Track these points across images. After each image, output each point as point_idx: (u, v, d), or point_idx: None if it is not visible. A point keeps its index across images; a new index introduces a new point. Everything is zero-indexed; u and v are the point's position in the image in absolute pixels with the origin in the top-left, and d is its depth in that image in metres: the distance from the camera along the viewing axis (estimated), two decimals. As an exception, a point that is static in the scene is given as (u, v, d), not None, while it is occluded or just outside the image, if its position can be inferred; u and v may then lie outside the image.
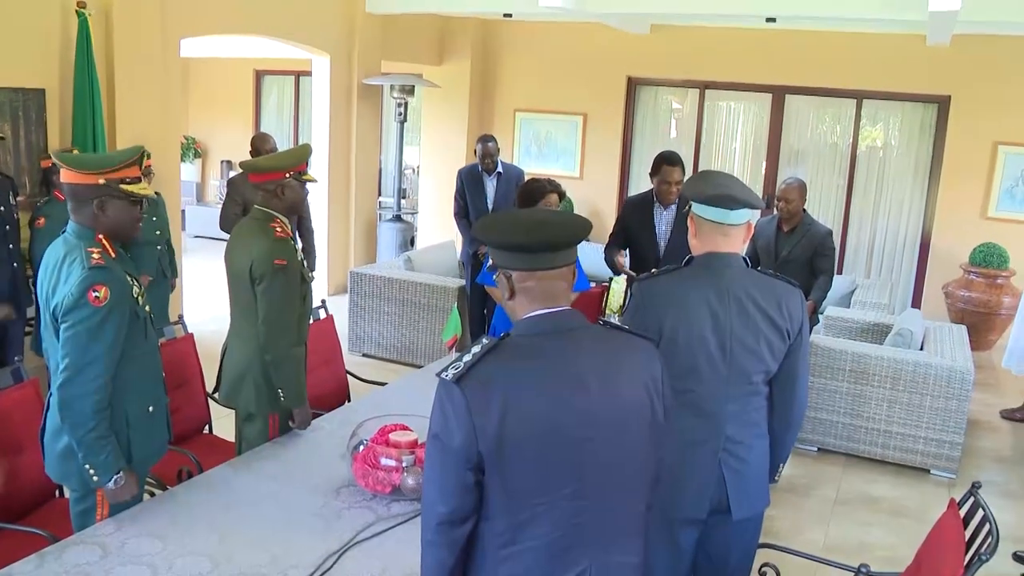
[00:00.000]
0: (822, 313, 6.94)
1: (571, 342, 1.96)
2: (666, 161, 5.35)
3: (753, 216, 2.77)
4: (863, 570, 2.27)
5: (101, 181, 2.81)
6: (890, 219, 9.54)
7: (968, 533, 2.74)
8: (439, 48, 10.53)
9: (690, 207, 2.80)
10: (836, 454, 5.77)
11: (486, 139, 7.07)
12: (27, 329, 5.53)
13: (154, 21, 6.48)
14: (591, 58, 10.15)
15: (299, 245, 3.80)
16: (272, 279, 3.45)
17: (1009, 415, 6.70)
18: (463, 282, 7.23)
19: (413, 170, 12.18)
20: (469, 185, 7.09)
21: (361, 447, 3.17)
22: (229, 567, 2.58)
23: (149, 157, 5.68)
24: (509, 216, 2.16)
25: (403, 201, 10.22)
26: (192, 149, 12.94)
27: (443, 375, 1.88)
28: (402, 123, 9.55)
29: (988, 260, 8.43)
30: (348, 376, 4.78)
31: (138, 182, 2.91)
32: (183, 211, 10.03)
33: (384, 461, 3.05)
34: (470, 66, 10.53)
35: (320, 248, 9.14)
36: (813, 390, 5.75)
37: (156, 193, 5.98)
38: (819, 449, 5.79)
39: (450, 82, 10.43)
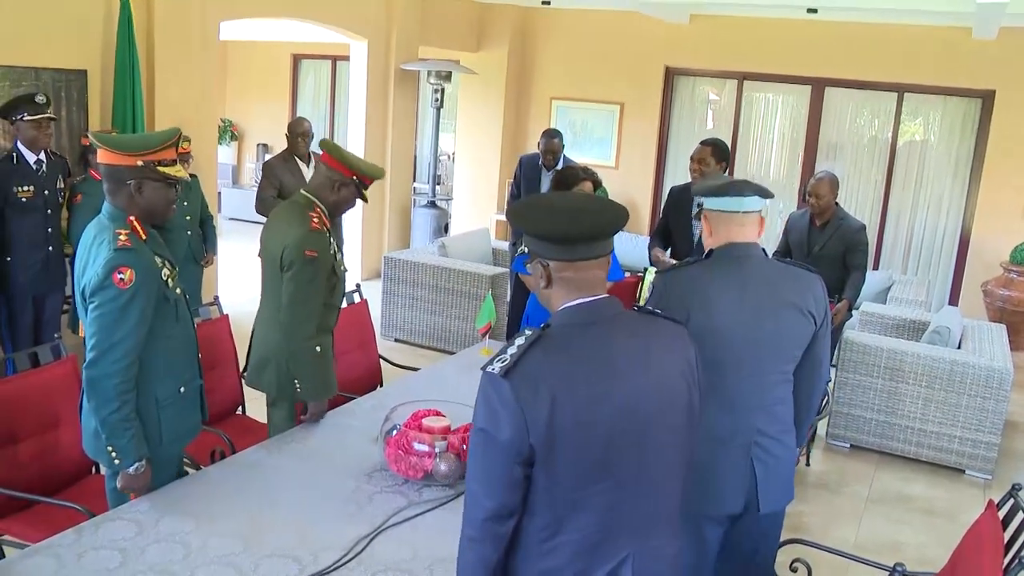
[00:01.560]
0: (857, 309, 6.87)
1: (611, 330, 1.95)
2: (701, 142, 5.40)
3: (764, 206, 2.75)
4: (899, 570, 2.23)
5: (139, 163, 2.83)
6: (929, 215, 9.41)
7: (1007, 536, 2.70)
8: (477, 35, 10.52)
9: (701, 207, 2.78)
10: (869, 451, 5.72)
11: (551, 134, 6.83)
12: (65, 308, 5.60)
13: (194, 4, 6.52)
14: (629, 47, 10.09)
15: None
16: (300, 269, 3.43)
17: None
18: (497, 269, 7.22)
19: (449, 156, 12.19)
20: (526, 174, 6.91)
21: (394, 432, 3.18)
22: (260, 548, 2.60)
23: (189, 142, 5.79)
24: (545, 202, 2.08)
25: (438, 187, 10.23)
26: (229, 132, 13.03)
27: (490, 369, 1.85)
28: (438, 109, 9.55)
29: (1029, 259, 8.29)
30: (381, 361, 4.80)
31: (174, 164, 2.92)
32: (219, 193, 10.12)
33: (417, 446, 3.06)
34: (507, 53, 10.50)
35: (354, 233, 9.19)
36: (847, 386, 5.70)
37: (192, 175, 6.03)
38: (852, 446, 5.74)
39: (487, 69, 10.42)
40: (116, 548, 2.53)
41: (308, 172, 6.29)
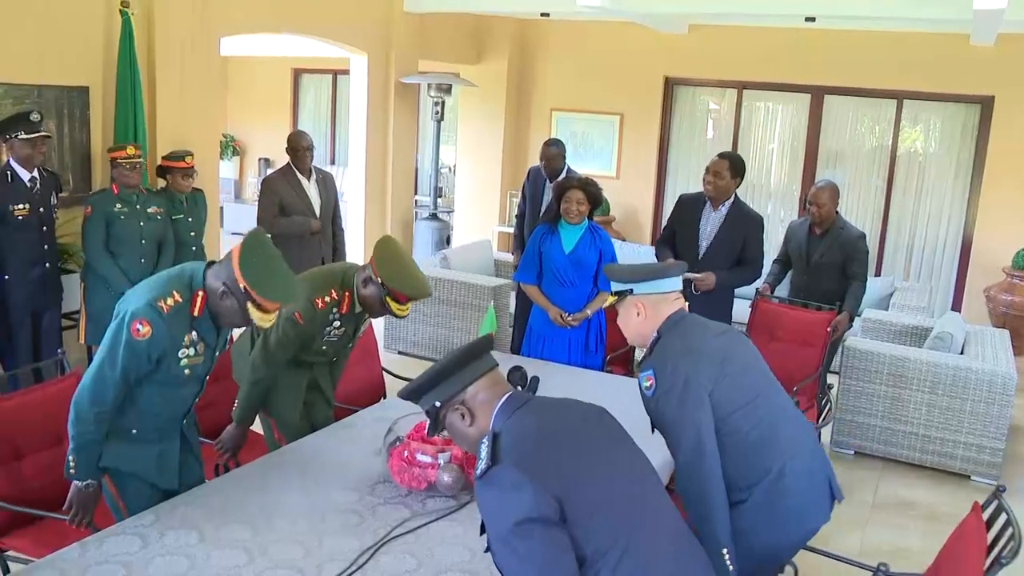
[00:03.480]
0: (859, 316, 6.87)
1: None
2: (718, 154, 5.44)
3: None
4: (882, 570, 2.28)
5: (242, 287, 2.78)
6: (930, 221, 9.41)
7: (991, 537, 2.72)
8: (476, 47, 10.55)
9: (621, 294, 2.85)
10: (873, 458, 5.71)
11: (548, 143, 6.77)
12: (64, 324, 5.62)
13: (194, 20, 6.55)
14: (628, 58, 10.11)
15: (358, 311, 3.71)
16: (282, 324, 3.47)
17: None
18: (499, 280, 7.23)
19: (450, 169, 12.22)
20: (531, 186, 6.88)
21: (397, 443, 3.18)
22: (264, 560, 2.60)
23: (192, 157, 5.82)
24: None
25: (439, 200, 10.25)
26: (230, 147, 13.07)
27: (480, 472, 2.01)
28: (439, 122, 9.57)
29: (1032, 263, 8.28)
30: (384, 374, 4.80)
31: (264, 313, 2.84)
32: (220, 208, 10.14)
33: (420, 457, 3.07)
34: (507, 65, 10.53)
35: (357, 245, 9.20)
36: (850, 392, 5.70)
37: (197, 190, 6.06)
38: (856, 452, 5.73)
39: (487, 81, 10.45)
40: (120, 563, 2.54)
41: (309, 187, 6.28)
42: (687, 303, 2.94)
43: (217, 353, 3.09)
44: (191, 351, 2.92)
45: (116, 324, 2.82)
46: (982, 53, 8.48)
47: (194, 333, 2.90)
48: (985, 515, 2.77)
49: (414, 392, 2.25)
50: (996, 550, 2.65)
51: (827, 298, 5.61)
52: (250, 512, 2.89)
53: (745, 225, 5.35)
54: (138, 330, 2.76)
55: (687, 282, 4.96)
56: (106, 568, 2.51)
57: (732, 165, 5.29)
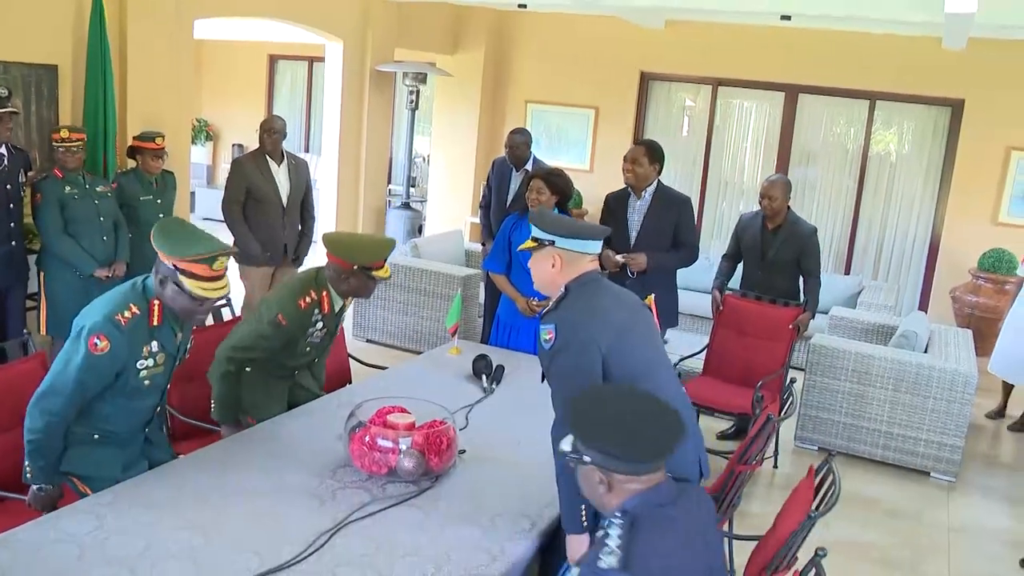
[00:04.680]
0: (826, 313, 6.94)
1: (683, 511, 2.14)
2: (635, 141, 5.41)
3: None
4: (820, 554, 2.39)
5: (170, 264, 2.84)
6: (900, 221, 9.50)
7: (820, 495, 3.00)
8: (453, 37, 10.52)
9: (542, 242, 2.85)
10: (837, 454, 5.75)
11: (514, 132, 6.76)
12: (29, 304, 5.56)
13: (169, 1, 6.48)
14: (605, 52, 10.13)
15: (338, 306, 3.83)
16: (264, 323, 3.59)
17: (993, 416, 6.82)
18: (469, 270, 7.22)
19: (424, 159, 12.19)
20: (496, 176, 6.83)
21: (359, 428, 3.18)
22: (222, 541, 2.59)
23: (163, 138, 5.76)
24: (621, 429, 2.15)
25: (412, 189, 10.23)
26: (204, 132, 12.97)
27: (603, 566, 1.95)
28: (413, 111, 9.54)
29: (997, 266, 8.38)
30: (350, 360, 4.79)
31: (203, 280, 2.85)
32: (192, 193, 10.07)
33: (381, 442, 3.06)
34: (483, 56, 10.51)
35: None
36: (815, 388, 5.75)
37: (168, 172, 6.01)
38: (819, 448, 5.78)
39: (463, 71, 10.43)
40: (75, 542, 2.52)
41: (279, 172, 6.22)
42: (624, 286, 3.01)
43: (177, 361, 3.15)
44: (150, 361, 2.98)
45: (74, 338, 2.85)
46: (953, 57, 8.57)
47: (154, 343, 2.97)
48: (819, 477, 3.08)
49: (584, 433, 2.13)
50: (817, 503, 2.93)
51: (782, 293, 5.67)
52: (209, 493, 2.88)
53: (673, 208, 5.28)
54: (96, 345, 2.80)
55: (623, 265, 5.10)
56: (61, 547, 2.48)
57: (649, 151, 5.25)
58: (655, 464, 2.10)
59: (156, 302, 2.93)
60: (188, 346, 3.24)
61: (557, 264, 2.81)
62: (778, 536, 2.87)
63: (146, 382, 3.00)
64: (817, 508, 2.86)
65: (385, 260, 3.64)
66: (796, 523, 2.74)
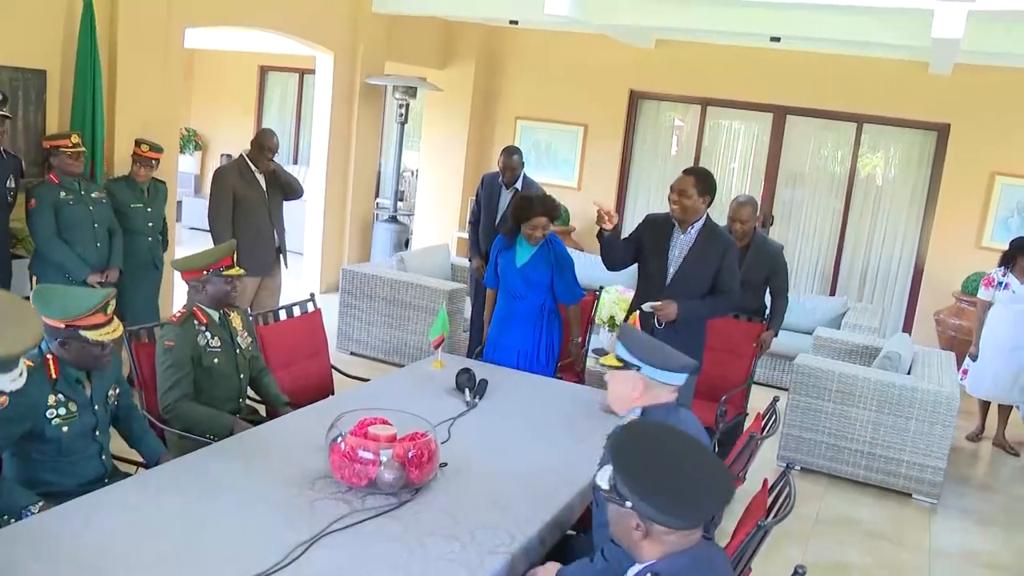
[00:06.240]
0: (811, 333, 6.95)
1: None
2: (684, 170, 4.79)
3: None
4: (799, 571, 2.38)
5: (62, 326, 2.97)
6: (885, 244, 9.56)
7: (776, 506, 3.03)
8: (443, 52, 10.55)
9: (627, 363, 2.84)
10: (819, 474, 5.76)
11: (510, 151, 6.62)
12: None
13: (159, 8, 6.47)
14: (595, 70, 10.18)
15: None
16: (160, 353, 3.75)
17: (973, 438, 6.84)
18: (455, 284, 7.20)
19: (412, 173, 12.19)
20: (486, 192, 6.76)
21: (339, 439, 3.15)
22: (200, 548, 2.56)
23: (149, 147, 5.74)
24: (667, 472, 2.05)
25: (400, 203, 10.22)
26: (193, 141, 12.94)
27: None
28: (403, 125, 9.55)
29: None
30: (333, 371, 4.77)
31: (103, 327, 3.01)
32: (179, 202, 10.03)
33: (362, 454, 3.03)
34: (474, 71, 10.55)
35: (314, 245, 9.16)
36: (798, 408, 5.75)
37: (160, 181, 6.00)
38: (802, 468, 5.78)
39: (453, 86, 10.45)
40: (49, 548, 2.48)
41: (262, 179, 6.18)
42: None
43: (97, 407, 3.18)
44: (61, 411, 3.03)
45: None
46: (940, 82, 8.66)
47: (60, 395, 3.03)
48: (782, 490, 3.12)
49: (631, 477, 2.02)
50: (771, 515, 2.94)
51: (751, 311, 5.65)
52: (188, 501, 2.84)
53: (718, 250, 4.63)
54: None
55: (651, 313, 4.57)
56: (33, 553, 2.45)
57: (699, 181, 4.56)
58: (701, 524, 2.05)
59: (50, 356, 3.02)
60: (108, 393, 3.28)
61: (638, 389, 2.82)
62: (731, 546, 2.87)
63: (64, 429, 3.04)
64: (766, 518, 2.86)
65: (232, 258, 3.87)
66: (746, 534, 2.77)
